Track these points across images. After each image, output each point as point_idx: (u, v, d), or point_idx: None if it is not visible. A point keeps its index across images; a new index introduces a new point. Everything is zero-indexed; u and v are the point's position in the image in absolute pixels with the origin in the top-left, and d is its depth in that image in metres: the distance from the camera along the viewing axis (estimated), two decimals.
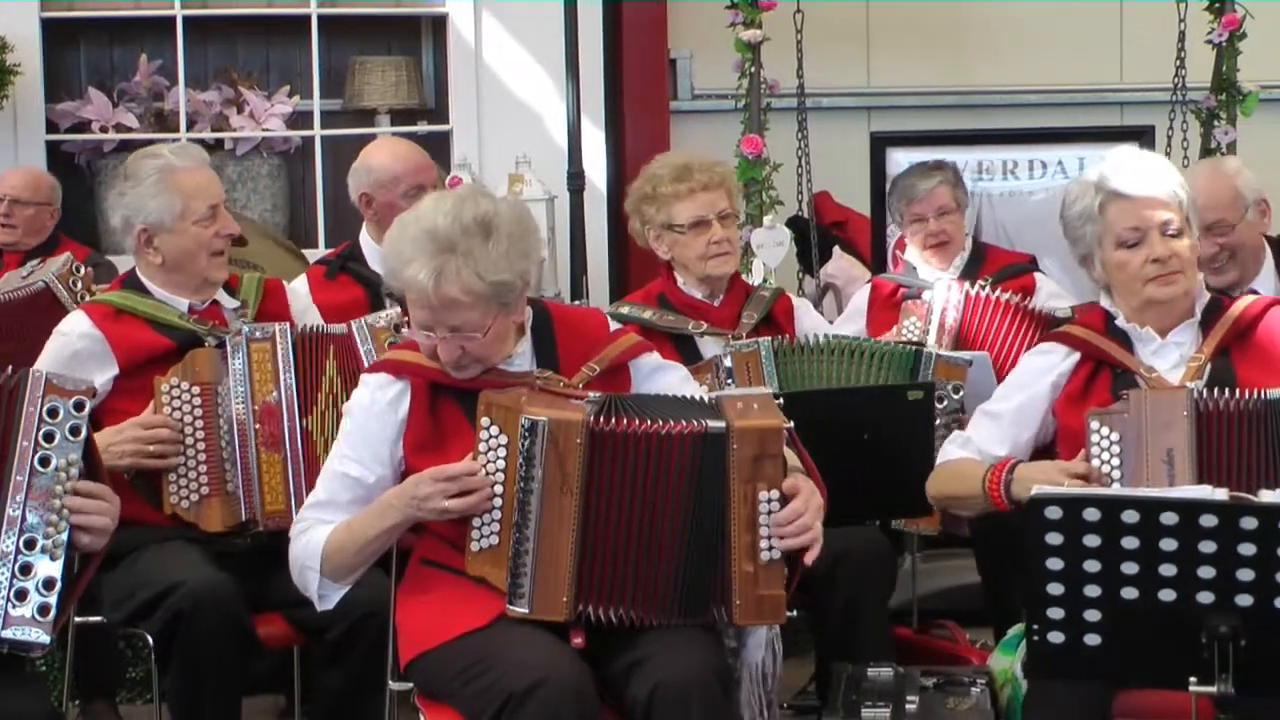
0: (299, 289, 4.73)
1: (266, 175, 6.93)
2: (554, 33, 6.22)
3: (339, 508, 3.43)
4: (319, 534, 3.41)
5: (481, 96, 6.88)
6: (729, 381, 4.34)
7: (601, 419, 3.25)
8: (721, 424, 3.23)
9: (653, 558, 3.26)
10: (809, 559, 3.27)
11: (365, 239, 5.07)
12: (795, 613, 3.57)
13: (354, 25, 7.13)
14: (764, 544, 3.24)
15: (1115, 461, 3.43)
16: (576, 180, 6.16)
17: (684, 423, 3.25)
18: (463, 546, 3.30)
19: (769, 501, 3.23)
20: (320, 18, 6.81)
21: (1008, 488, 3.52)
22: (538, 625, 3.24)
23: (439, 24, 7.09)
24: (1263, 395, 3.43)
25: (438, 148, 6.55)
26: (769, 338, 4.47)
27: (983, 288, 5.12)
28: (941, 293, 5.14)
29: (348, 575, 3.43)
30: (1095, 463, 3.44)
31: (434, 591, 3.38)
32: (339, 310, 4.74)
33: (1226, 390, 3.45)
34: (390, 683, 3.53)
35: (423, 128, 6.99)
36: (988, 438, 3.69)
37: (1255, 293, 4.60)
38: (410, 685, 3.41)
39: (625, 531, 3.26)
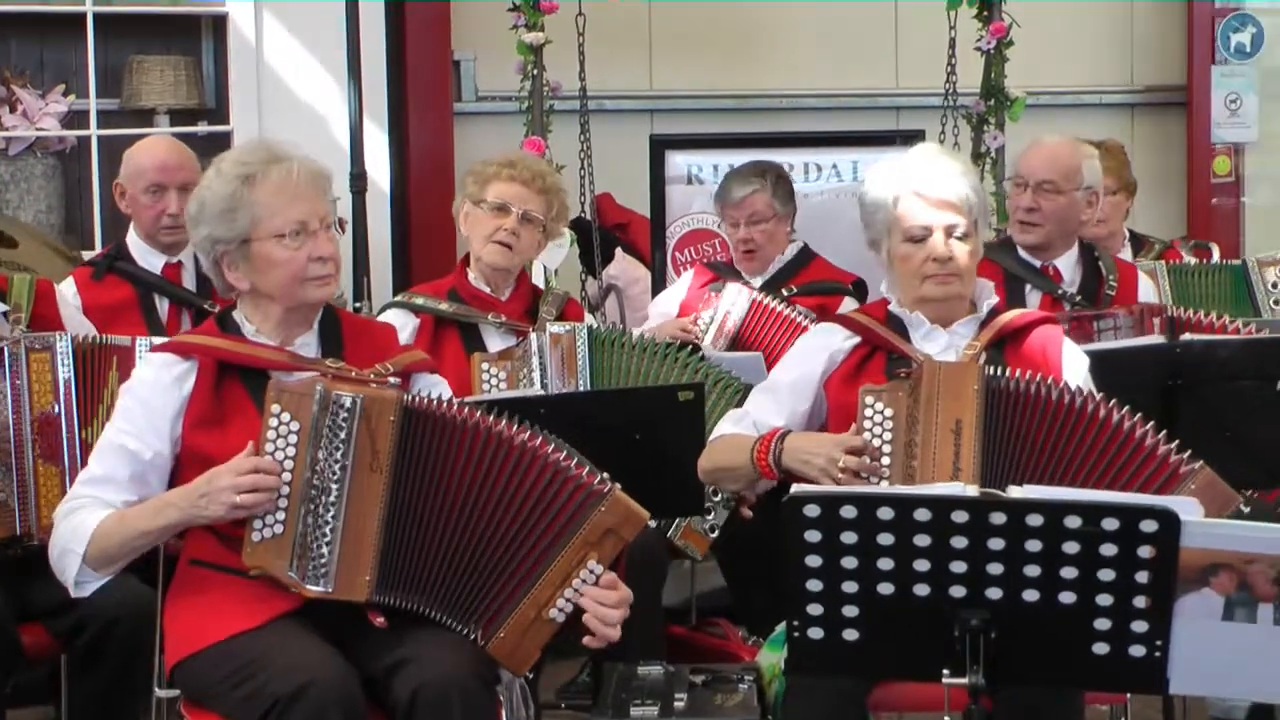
0: (65, 291, 4.66)
1: (41, 175, 6.78)
2: (336, 33, 6.18)
3: (119, 485, 3.36)
4: (89, 518, 3.32)
5: (263, 97, 6.79)
6: (541, 364, 4.39)
7: (413, 399, 3.27)
8: (607, 486, 3.23)
9: (457, 553, 3.25)
10: (590, 642, 3.26)
11: (133, 237, 5.00)
12: None
13: (131, 23, 6.98)
14: (559, 603, 3.23)
15: (887, 436, 3.52)
16: (359, 181, 6.13)
17: (564, 454, 3.23)
18: (237, 540, 3.26)
19: (590, 573, 3.23)
20: (96, 15, 6.65)
21: (777, 457, 3.60)
22: (308, 626, 3.24)
23: (219, 23, 6.97)
24: (1053, 381, 3.52)
25: (218, 148, 6.36)
26: (585, 324, 4.54)
27: (773, 298, 5.23)
28: (730, 296, 5.25)
29: (109, 566, 3.35)
30: (867, 436, 3.53)
31: (203, 593, 3.34)
32: (108, 310, 4.71)
33: (1015, 370, 3.55)
34: (156, 690, 3.49)
35: (203, 128, 6.89)
36: (764, 410, 3.77)
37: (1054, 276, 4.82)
38: (176, 692, 3.37)
39: (436, 519, 3.25)
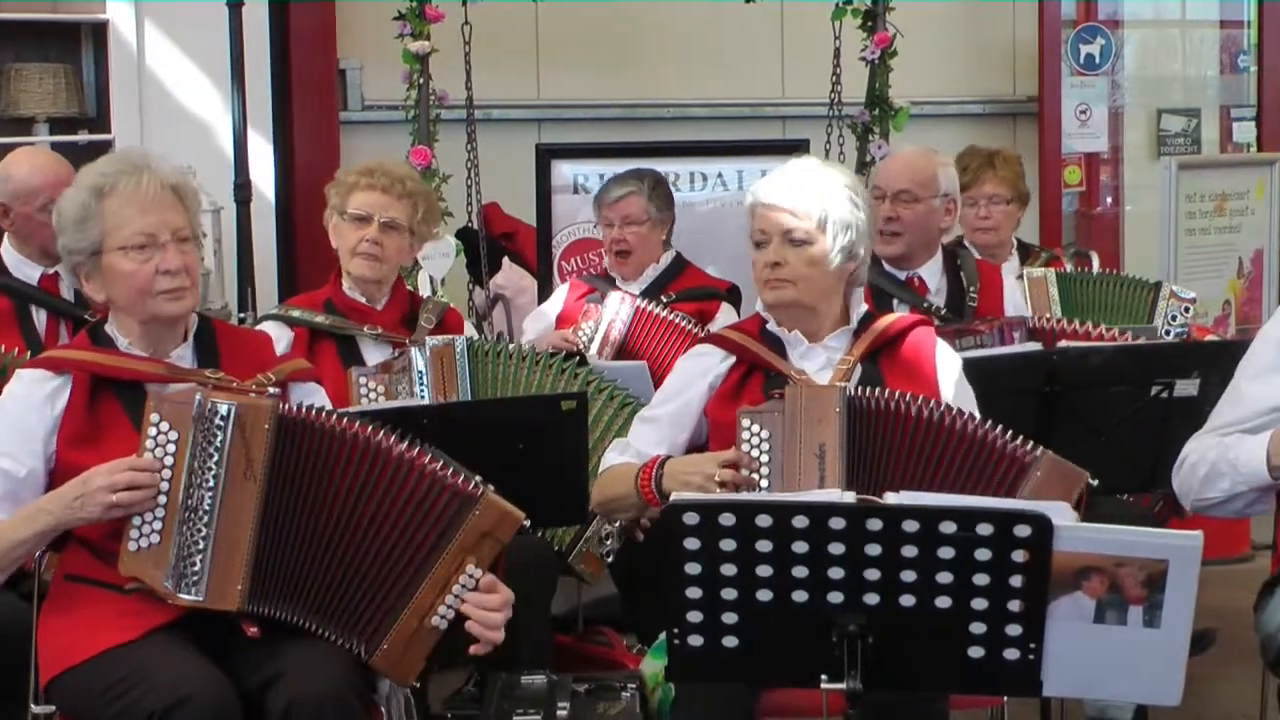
0: None
1: None
2: (219, 41, 6.14)
3: None
4: None
5: (145, 105, 6.74)
6: (421, 376, 4.37)
7: (289, 408, 3.25)
8: (480, 490, 3.22)
9: (334, 563, 3.23)
10: (476, 649, 3.24)
11: (7, 249, 4.95)
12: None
13: (9, 31, 6.91)
14: (441, 609, 3.21)
15: (765, 459, 3.51)
16: (243, 191, 6.10)
17: (440, 464, 3.22)
18: (112, 554, 3.23)
19: (469, 577, 3.21)
20: None
21: (658, 483, 3.61)
22: (183, 639, 3.21)
23: (99, 30, 6.92)
24: (911, 397, 3.51)
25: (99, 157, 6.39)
26: (464, 336, 4.52)
27: (656, 304, 5.25)
28: (614, 305, 5.25)
29: None
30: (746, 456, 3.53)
31: (78, 608, 3.30)
32: None
33: (878, 389, 3.54)
34: (32, 706, 3.44)
35: (84, 137, 6.82)
36: (645, 440, 3.77)
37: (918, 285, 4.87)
38: (52, 708, 3.33)
39: (311, 529, 3.23)
